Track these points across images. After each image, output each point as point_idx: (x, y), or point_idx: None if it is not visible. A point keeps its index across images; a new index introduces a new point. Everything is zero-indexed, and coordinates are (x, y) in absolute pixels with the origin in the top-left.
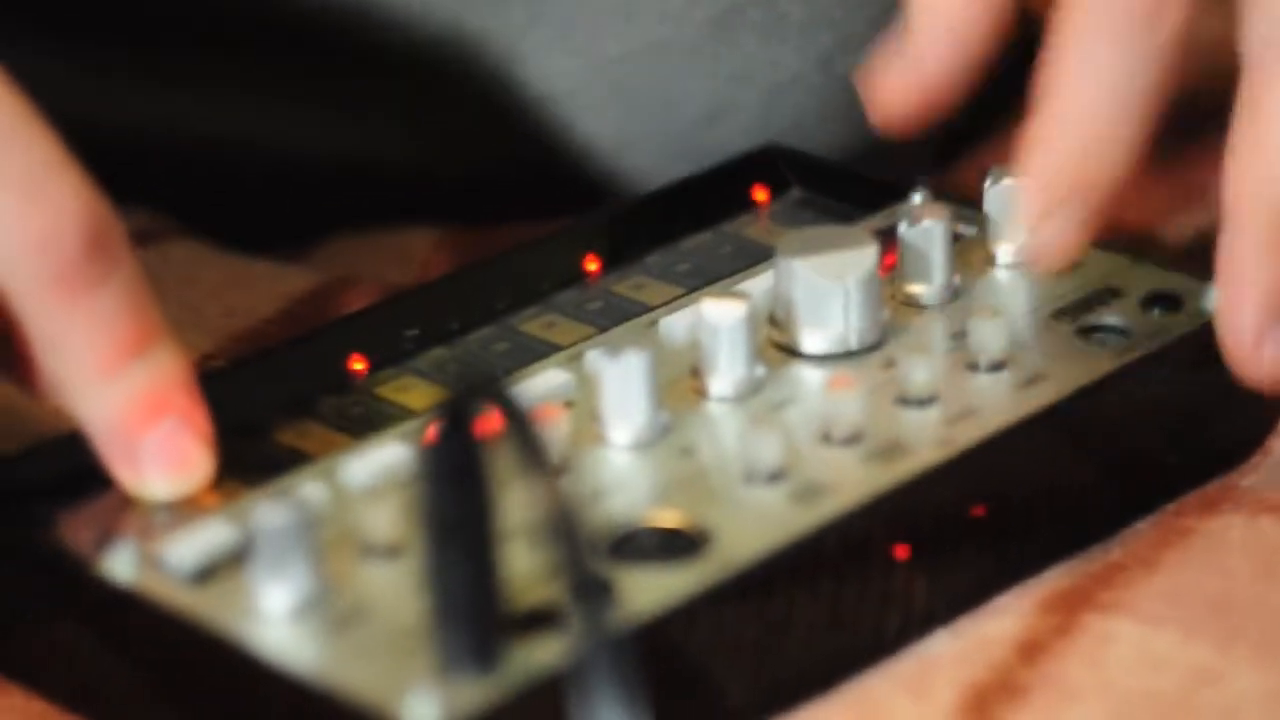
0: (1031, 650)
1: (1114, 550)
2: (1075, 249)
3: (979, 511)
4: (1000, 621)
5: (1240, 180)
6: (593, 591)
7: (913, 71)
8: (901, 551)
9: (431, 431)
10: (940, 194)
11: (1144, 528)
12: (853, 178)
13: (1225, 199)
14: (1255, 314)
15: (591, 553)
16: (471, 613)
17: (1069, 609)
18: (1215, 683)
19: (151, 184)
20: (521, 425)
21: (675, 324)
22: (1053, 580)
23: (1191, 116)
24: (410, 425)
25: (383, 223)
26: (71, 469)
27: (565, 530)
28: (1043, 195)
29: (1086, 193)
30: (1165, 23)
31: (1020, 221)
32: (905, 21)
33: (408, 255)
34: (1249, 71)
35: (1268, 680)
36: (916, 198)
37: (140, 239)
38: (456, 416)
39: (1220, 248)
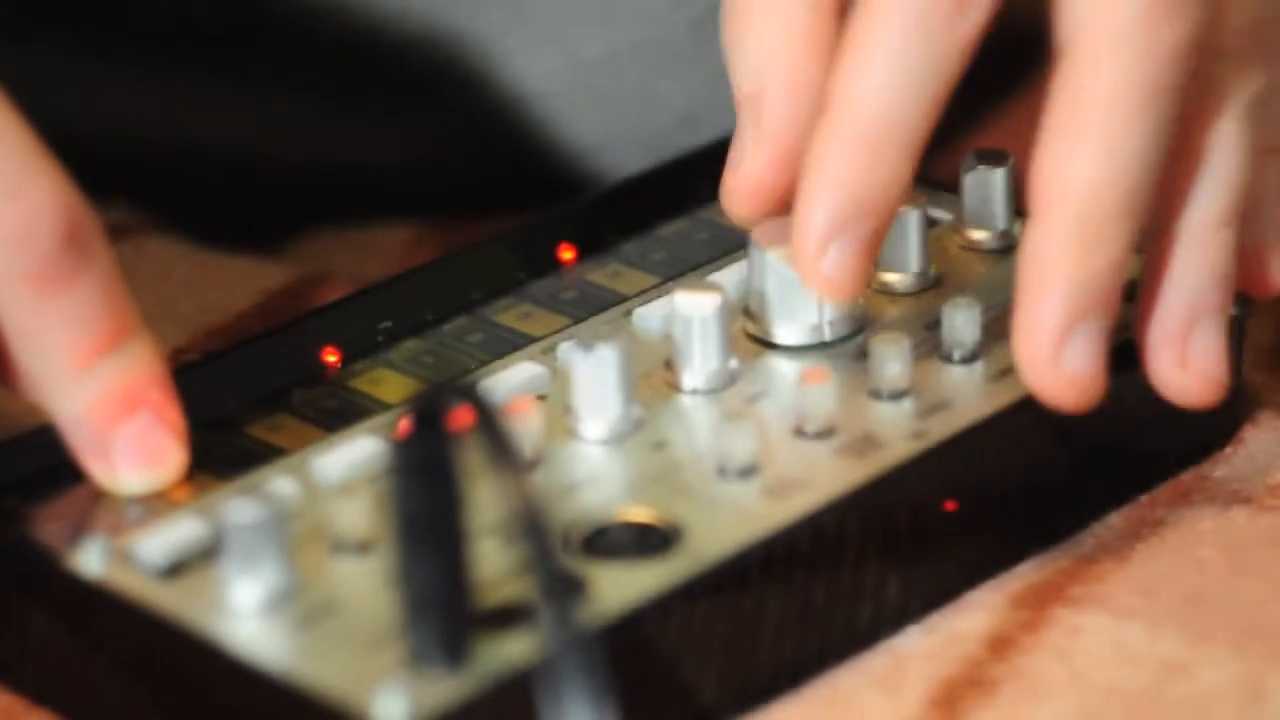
0: (1001, 645)
1: (1085, 542)
2: (865, 275)
3: (952, 506)
4: (970, 616)
5: (1051, 169)
6: (561, 588)
7: (767, 168)
8: (874, 546)
9: (402, 426)
10: (916, 179)
11: (1115, 519)
12: None
13: (1033, 189)
14: (1057, 314)
15: (560, 550)
16: (441, 609)
17: (1039, 603)
18: (1185, 676)
19: (128, 180)
20: (490, 421)
21: (649, 315)
22: (1023, 574)
23: None
24: (382, 419)
25: (360, 220)
26: (43, 463)
27: (534, 527)
28: (821, 221)
29: (868, 213)
30: (970, 18)
31: (797, 253)
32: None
33: (385, 252)
34: (1067, 57)
35: (1238, 673)
36: None
37: (116, 234)
38: (427, 412)
39: (1023, 243)
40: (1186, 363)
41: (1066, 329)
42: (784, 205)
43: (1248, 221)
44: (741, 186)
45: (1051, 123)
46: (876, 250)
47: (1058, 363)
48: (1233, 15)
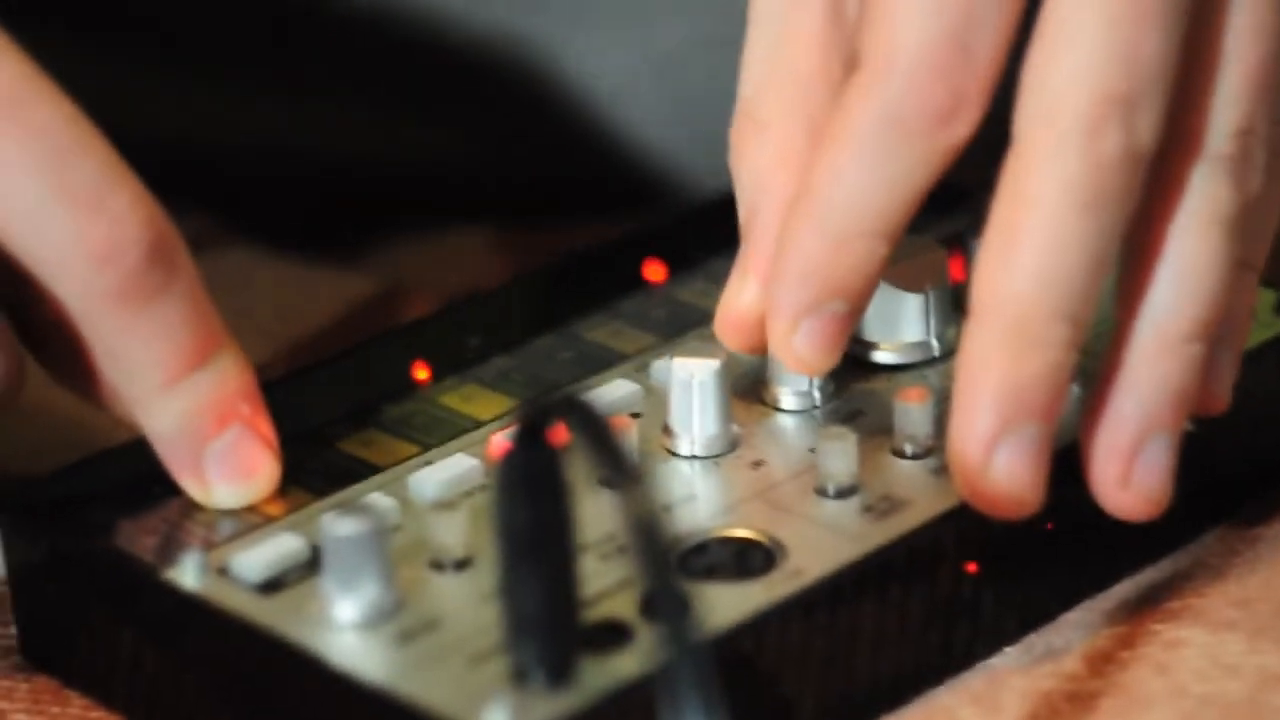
0: (1099, 660)
1: (1180, 559)
2: (838, 350)
3: (1050, 525)
4: (1066, 633)
5: (987, 268)
6: (675, 604)
7: (757, 299)
8: (973, 566)
9: (503, 441)
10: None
11: (1210, 536)
12: None
13: (972, 289)
14: (987, 420)
15: (671, 565)
16: (546, 626)
17: (1136, 618)
18: None
19: (207, 190)
20: (601, 433)
21: None
22: (1118, 591)
23: None
24: (478, 435)
25: (437, 225)
26: (137, 477)
27: (647, 541)
28: (789, 303)
29: (837, 295)
30: (958, 127)
31: (770, 332)
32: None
33: (463, 258)
34: (1015, 152)
35: None
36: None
37: (196, 246)
38: (532, 425)
39: (960, 345)
40: (1130, 480)
41: (996, 435)
42: None
43: None
44: (728, 317)
45: (993, 219)
46: (851, 324)
47: (986, 470)
48: (1226, 119)
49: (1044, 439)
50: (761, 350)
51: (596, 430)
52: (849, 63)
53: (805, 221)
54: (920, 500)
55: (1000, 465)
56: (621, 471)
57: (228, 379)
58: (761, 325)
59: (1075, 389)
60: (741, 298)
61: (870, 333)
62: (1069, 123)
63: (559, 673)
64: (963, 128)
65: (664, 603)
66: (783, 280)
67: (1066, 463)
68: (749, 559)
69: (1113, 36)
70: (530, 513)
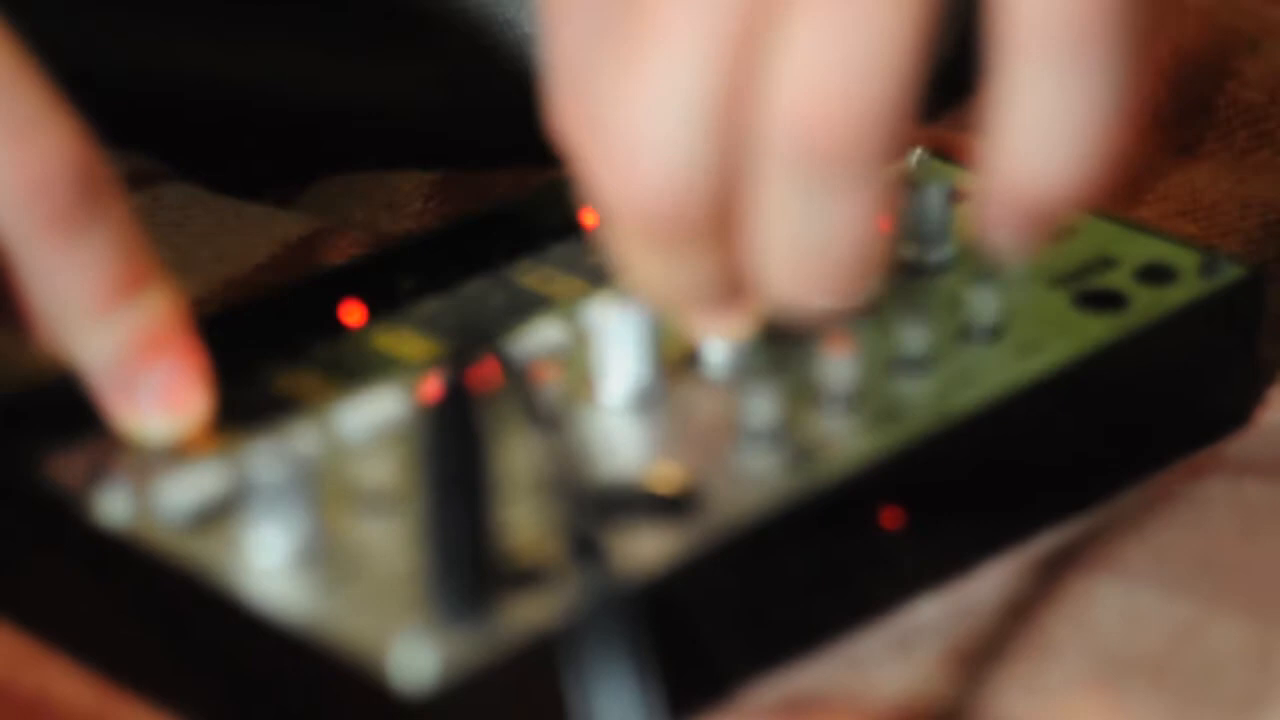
0: (1015, 611)
1: (1098, 514)
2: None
3: (971, 478)
4: (984, 582)
5: None
6: (592, 548)
7: None
8: (893, 515)
9: (430, 385)
10: (936, 155)
11: (1128, 493)
12: None
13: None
14: None
15: (590, 510)
16: (465, 566)
17: (1053, 569)
18: (1198, 638)
19: (143, 127)
20: (520, 382)
21: None
22: (1037, 543)
23: None
24: (408, 376)
25: (373, 165)
26: (66, 410)
27: (565, 487)
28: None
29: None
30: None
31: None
32: None
33: (399, 200)
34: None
35: (1249, 635)
36: (913, 159)
37: (132, 182)
38: (455, 371)
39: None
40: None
41: None
42: None
43: None
44: None
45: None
46: None
47: None
48: None
49: None
50: None
51: (514, 377)
52: None
53: None
54: (843, 449)
55: None
56: (537, 419)
57: (159, 312)
58: None
59: None
60: None
61: None
62: None
63: (476, 614)
64: None
65: (580, 547)
66: None
67: (989, 418)
68: (670, 506)
69: None
70: (450, 456)
